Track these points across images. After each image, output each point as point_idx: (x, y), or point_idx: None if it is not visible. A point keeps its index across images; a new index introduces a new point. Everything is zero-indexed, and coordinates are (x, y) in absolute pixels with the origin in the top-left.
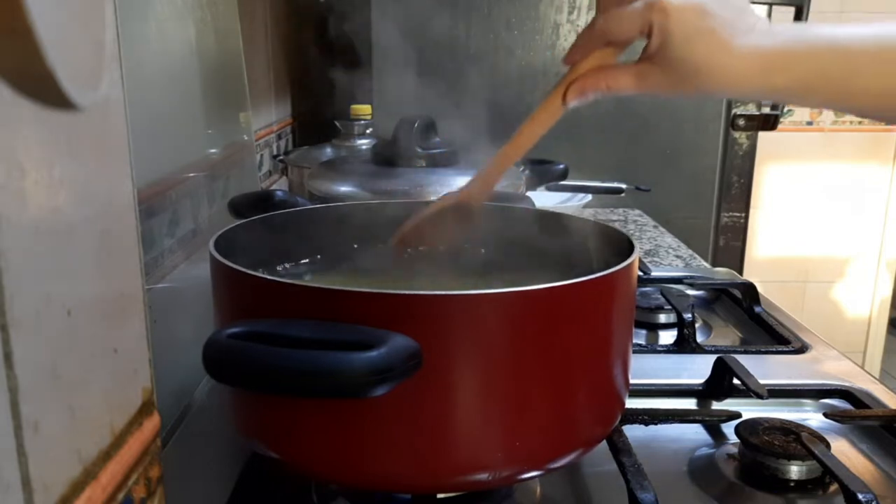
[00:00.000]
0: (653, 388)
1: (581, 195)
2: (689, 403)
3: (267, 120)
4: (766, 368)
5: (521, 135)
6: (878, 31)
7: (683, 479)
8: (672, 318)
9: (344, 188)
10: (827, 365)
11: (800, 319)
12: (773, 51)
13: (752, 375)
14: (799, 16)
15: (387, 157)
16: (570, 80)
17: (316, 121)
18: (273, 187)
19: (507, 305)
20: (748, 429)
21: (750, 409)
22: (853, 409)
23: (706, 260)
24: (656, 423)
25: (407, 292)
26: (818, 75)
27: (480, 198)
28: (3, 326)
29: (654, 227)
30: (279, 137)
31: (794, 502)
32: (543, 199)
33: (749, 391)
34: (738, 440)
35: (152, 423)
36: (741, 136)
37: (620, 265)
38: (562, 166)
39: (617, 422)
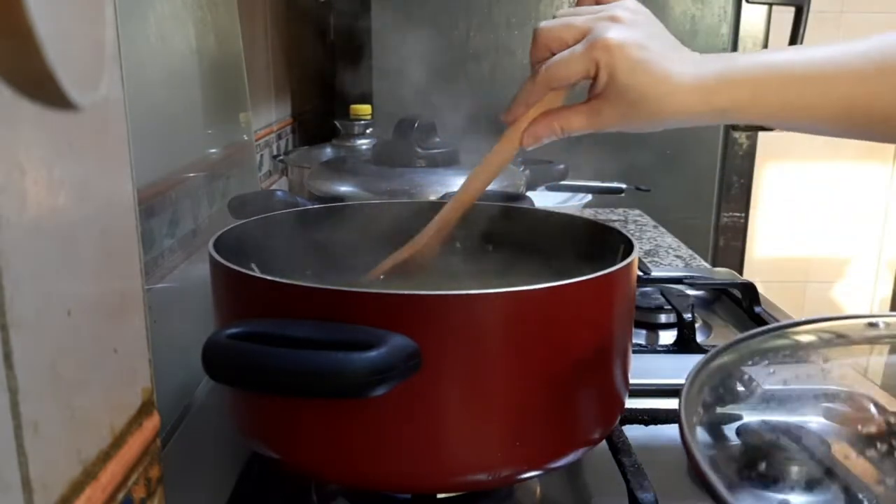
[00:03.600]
0: (653, 388)
1: (581, 195)
2: None
3: (267, 120)
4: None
5: (474, 180)
6: (808, 55)
7: (683, 480)
8: (672, 318)
9: (344, 188)
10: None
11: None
12: (710, 76)
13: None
14: (799, 15)
15: (387, 157)
16: (519, 127)
17: (316, 121)
18: (273, 187)
19: (507, 305)
20: (749, 430)
21: (750, 411)
22: (853, 411)
23: (706, 260)
24: (656, 424)
25: (406, 292)
26: (754, 96)
27: (433, 249)
28: (3, 326)
29: (654, 227)
30: (279, 137)
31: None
32: (543, 198)
33: (749, 391)
34: (738, 441)
35: (152, 423)
36: (741, 136)
37: (619, 265)
38: (562, 166)
39: (617, 422)
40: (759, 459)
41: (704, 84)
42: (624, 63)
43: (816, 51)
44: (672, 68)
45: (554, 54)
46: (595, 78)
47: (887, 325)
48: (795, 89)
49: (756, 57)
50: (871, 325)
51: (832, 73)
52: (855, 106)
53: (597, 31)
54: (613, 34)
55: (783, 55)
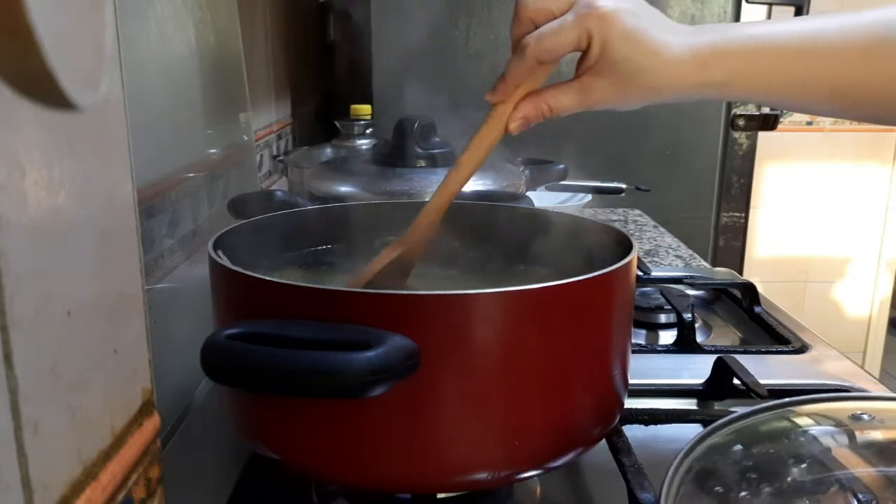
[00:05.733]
0: (653, 388)
1: (581, 195)
2: (690, 404)
3: (267, 120)
4: (767, 368)
5: (461, 168)
6: (803, 28)
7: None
8: (672, 318)
9: (344, 188)
10: (827, 365)
11: (800, 319)
12: (705, 46)
13: (752, 375)
14: (799, 15)
15: (387, 158)
16: (505, 111)
17: (316, 121)
18: (273, 188)
19: (506, 305)
20: None
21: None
22: None
23: (706, 260)
24: (656, 424)
25: (405, 292)
26: (749, 68)
27: (424, 244)
28: (3, 327)
29: (654, 227)
30: (279, 137)
31: (794, 503)
32: (543, 198)
33: (749, 391)
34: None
35: (152, 424)
36: (741, 136)
37: (618, 264)
38: (562, 166)
39: (616, 422)
40: (760, 459)
41: (699, 55)
42: (618, 32)
43: (813, 23)
44: (666, 38)
45: (538, 27)
46: (586, 50)
47: (872, 417)
48: (786, 64)
49: (749, 29)
50: (855, 417)
51: (823, 50)
52: (843, 85)
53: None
54: (605, 2)
55: (778, 27)
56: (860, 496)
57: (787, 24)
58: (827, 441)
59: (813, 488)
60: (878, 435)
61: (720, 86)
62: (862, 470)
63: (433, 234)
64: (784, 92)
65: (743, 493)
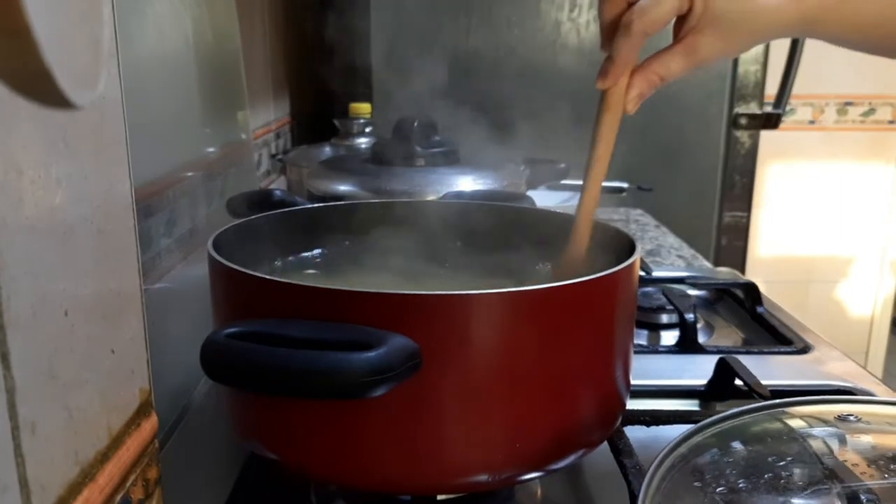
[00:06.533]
0: (655, 388)
1: None
2: (692, 404)
3: (265, 118)
4: (769, 369)
5: (598, 161)
6: None
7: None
8: (674, 318)
9: (343, 187)
10: (830, 365)
11: (802, 320)
12: None
13: (754, 376)
14: None
15: (386, 157)
16: (620, 91)
17: (315, 120)
18: (272, 187)
19: (507, 305)
20: None
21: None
22: None
23: (708, 260)
24: (658, 425)
25: (406, 292)
26: (840, 2)
27: (580, 257)
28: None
29: (656, 226)
30: (278, 136)
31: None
32: (545, 198)
33: (752, 392)
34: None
35: (150, 424)
36: (743, 136)
37: (621, 265)
38: (563, 165)
39: (618, 423)
40: (762, 459)
41: None
42: None
43: None
44: None
45: (632, 3)
46: (688, 12)
47: (858, 418)
48: None
49: None
50: (843, 419)
51: None
52: None
53: None
54: None
55: None
56: (843, 498)
57: None
58: (813, 443)
59: (794, 489)
60: (866, 438)
61: (814, 22)
62: (848, 472)
63: (588, 240)
64: (873, 26)
65: (720, 491)
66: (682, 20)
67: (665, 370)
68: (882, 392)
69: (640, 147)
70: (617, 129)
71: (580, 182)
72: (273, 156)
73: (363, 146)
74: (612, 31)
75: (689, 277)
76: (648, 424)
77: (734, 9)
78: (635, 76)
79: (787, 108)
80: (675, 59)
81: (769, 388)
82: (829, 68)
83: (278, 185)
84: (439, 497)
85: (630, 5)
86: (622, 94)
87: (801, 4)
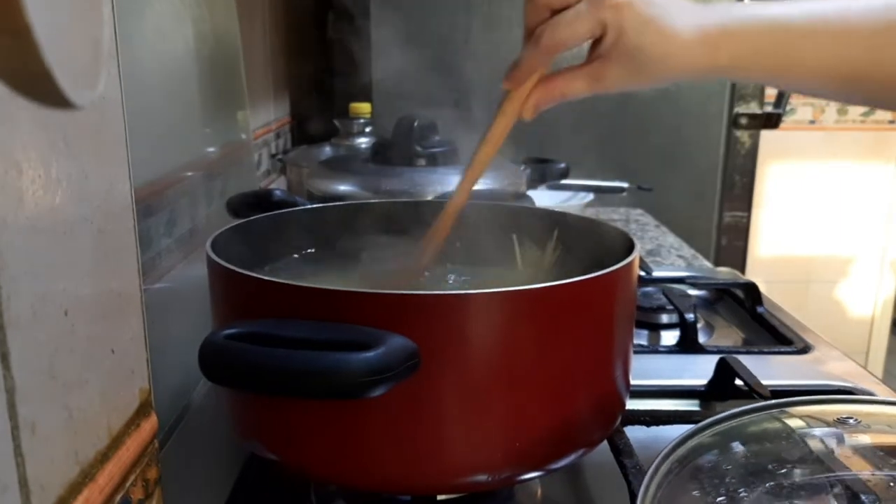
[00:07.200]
0: (655, 388)
1: (583, 194)
2: (692, 405)
3: (265, 118)
4: (769, 369)
5: (479, 157)
6: (809, 8)
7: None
8: (674, 318)
9: (343, 187)
10: (830, 365)
11: (802, 320)
12: (713, 28)
13: (754, 376)
14: None
15: (386, 157)
16: (519, 97)
17: (315, 119)
18: (272, 187)
19: (506, 305)
20: None
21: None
22: None
23: (708, 259)
24: (658, 425)
25: (404, 292)
26: (755, 50)
27: (439, 248)
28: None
29: (656, 226)
30: (278, 136)
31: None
32: (544, 198)
33: (752, 392)
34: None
35: (150, 425)
36: (743, 135)
37: (620, 264)
38: (563, 165)
39: (617, 423)
40: (762, 459)
41: (708, 37)
42: (632, 21)
43: (820, 5)
44: (677, 24)
45: (553, 14)
46: (600, 38)
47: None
48: (792, 46)
49: (757, 9)
50: (842, 420)
51: (829, 32)
52: (849, 68)
53: None
54: None
55: (785, 8)
56: (843, 498)
57: (793, 6)
58: (813, 443)
59: (794, 490)
60: (865, 438)
61: (728, 69)
62: (846, 473)
63: (448, 231)
64: (790, 74)
65: (720, 491)
66: (596, 43)
67: (665, 370)
68: (882, 392)
69: (640, 147)
70: (507, 132)
71: (580, 182)
72: (273, 156)
73: (363, 146)
74: (529, 36)
75: (689, 277)
76: (648, 424)
77: (645, 47)
78: (538, 86)
79: (788, 107)
80: (580, 80)
81: (769, 388)
82: None
83: (278, 185)
84: (439, 497)
85: (553, 14)
86: (521, 101)
87: (713, 54)
